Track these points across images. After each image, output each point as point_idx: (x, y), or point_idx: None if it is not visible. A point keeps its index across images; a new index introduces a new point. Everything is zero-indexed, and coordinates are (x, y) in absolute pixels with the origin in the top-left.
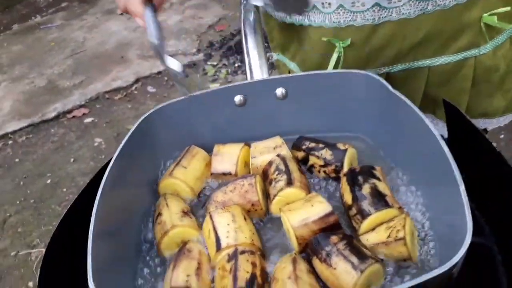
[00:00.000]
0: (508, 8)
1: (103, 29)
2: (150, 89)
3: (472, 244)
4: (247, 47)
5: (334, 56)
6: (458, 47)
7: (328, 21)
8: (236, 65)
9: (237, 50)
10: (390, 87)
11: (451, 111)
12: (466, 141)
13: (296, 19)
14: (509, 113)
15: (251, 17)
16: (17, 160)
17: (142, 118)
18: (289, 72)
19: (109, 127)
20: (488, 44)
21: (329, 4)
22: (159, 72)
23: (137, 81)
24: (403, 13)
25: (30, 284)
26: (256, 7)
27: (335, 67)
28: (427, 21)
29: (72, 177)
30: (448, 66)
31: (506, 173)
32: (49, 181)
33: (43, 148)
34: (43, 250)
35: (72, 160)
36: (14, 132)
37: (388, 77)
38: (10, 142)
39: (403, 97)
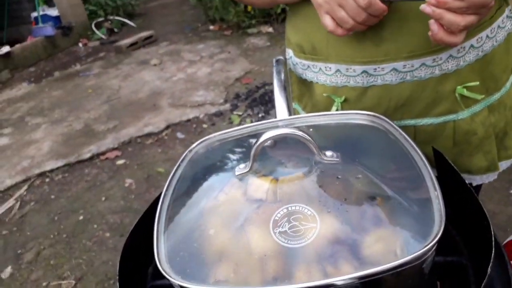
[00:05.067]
0: (477, 83)
1: (137, 78)
2: (179, 135)
3: (450, 263)
4: (275, 94)
5: (333, 109)
6: (438, 112)
7: (329, 81)
8: (260, 115)
9: (261, 101)
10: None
11: (437, 156)
12: (450, 183)
13: (309, 76)
14: (490, 172)
15: (281, 70)
16: (53, 196)
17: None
18: None
19: (139, 169)
20: (465, 111)
21: (330, 68)
22: (188, 120)
23: (167, 127)
24: (386, 80)
25: None
26: (284, 63)
27: None
28: (407, 88)
29: (103, 214)
30: (431, 127)
31: (477, 207)
32: (81, 217)
33: (77, 186)
34: (73, 282)
35: (103, 198)
36: (51, 170)
37: None
38: (47, 179)
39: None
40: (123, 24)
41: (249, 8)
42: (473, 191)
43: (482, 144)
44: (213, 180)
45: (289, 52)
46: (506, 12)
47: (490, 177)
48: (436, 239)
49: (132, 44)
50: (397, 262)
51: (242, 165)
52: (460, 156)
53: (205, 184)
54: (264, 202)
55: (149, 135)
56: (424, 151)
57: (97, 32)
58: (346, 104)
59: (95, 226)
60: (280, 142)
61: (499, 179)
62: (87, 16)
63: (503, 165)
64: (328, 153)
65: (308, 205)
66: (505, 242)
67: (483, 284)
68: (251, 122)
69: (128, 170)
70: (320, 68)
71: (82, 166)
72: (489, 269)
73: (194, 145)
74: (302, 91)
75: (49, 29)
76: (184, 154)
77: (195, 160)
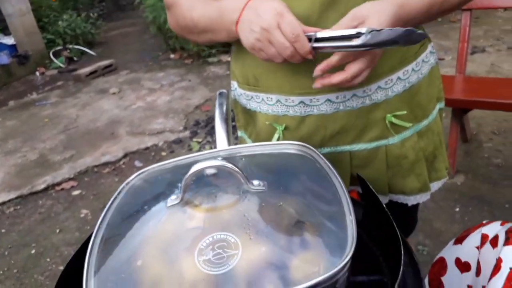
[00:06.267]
0: (404, 112)
1: (96, 107)
2: (137, 163)
3: (373, 282)
4: (216, 126)
5: (275, 136)
6: (370, 137)
7: (271, 110)
8: None
9: None
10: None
11: (361, 181)
12: (372, 206)
13: (252, 106)
14: (423, 193)
15: (224, 102)
16: (3, 231)
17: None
18: None
19: (95, 199)
20: (395, 137)
21: (271, 98)
22: (147, 148)
23: (125, 156)
24: (321, 110)
25: None
26: (227, 95)
27: None
28: (341, 117)
29: (57, 247)
30: (365, 152)
31: (392, 229)
32: (33, 251)
33: (29, 219)
34: None
35: (57, 230)
36: (2, 203)
37: None
38: None
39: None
40: (83, 52)
41: None
42: (388, 214)
43: (413, 167)
44: (147, 212)
45: (234, 84)
46: (429, 48)
47: (424, 197)
48: (345, 261)
49: (91, 73)
50: (306, 284)
51: (173, 196)
52: (394, 178)
53: (140, 217)
54: (192, 232)
55: (106, 164)
56: (360, 174)
57: (55, 60)
58: (287, 132)
59: (48, 259)
60: (219, 172)
61: (445, 199)
62: (45, 44)
63: (435, 185)
64: (255, 182)
65: (232, 233)
66: (434, 261)
67: None
68: (211, 148)
69: (84, 200)
70: (262, 99)
71: (36, 198)
72: (396, 286)
73: (131, 177)
74: (247, 120)
75: (4, 58)
76: (121, 187)
77: (131, 192)
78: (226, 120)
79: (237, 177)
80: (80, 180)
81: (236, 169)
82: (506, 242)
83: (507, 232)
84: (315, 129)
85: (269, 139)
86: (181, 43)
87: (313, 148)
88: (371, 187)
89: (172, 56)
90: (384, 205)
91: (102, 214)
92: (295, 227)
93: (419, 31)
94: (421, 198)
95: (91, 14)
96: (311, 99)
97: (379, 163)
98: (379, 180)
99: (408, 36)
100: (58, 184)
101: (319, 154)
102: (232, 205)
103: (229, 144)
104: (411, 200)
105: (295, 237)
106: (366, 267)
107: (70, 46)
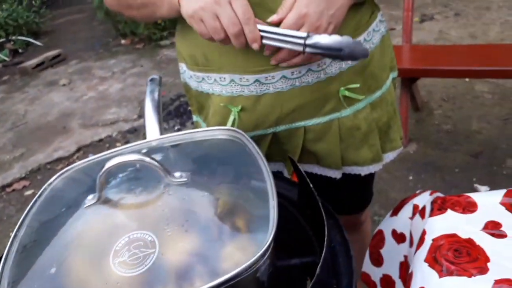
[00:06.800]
0: (358, 85)
1: (45, 100)
2: (91, 156)
3: (305, 264)
4: (145, 114)
5: (231, 118)
6: (325, 111)
7: (225, 91)
8: (176, 128)
9: (176, 114)
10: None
11: (292, 161)
12: (305, 186)
13: (204, 88)
14: (376, 163)
15: (155, 89)
16: None
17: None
18: None
19: None
20: (348, 109)
21: (224, 78)
22: (101, 140)
23: (78, 150)
24: (277, 87)
25: None
26: (159, 82)
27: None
28: (297, 93)
29: None
30: (319, 126)
31: (317, 209)
32: None
33: None
34: None
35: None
36: None
37: (274, 135)
38: None
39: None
40: (28, 43)
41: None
42: (314, 193)
43: (366, 138)
44: (66, 215)
45: (182, 66)
46: (378, 17)
47: (376, 167)
48: (262, 251)
49: (38, 65)
50: (226, 276)
51: (90, 196)
52: (348, 150)
53: (58, 221)
54: (108, 233)
55: (59, 160)
56: (314, 149)
57: None
58: (243, 113)
59: None
60: (141, 165)
61: (399, 168)
62: None
63: (390, 156)
64: (177, 174)
65: (149, 230)
66: (373, 234)
67: (312, 282)
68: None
69: None
70: (215, 79)
71: None
72: (318, 269)
73: (53, 178)
74: (200, 104)
75: None
76: (42, 189)
77: (52, 194)
78: (157, 108)
79: (156, 171)
80: (33, 179)
81: (155, 163)
82: (431, 213)
83: (432, 203)
84: (271, 108)
85: (225, 122)
86: (131, 27)
87: (242, 133)
88: (299, 166)
89: (122, 41)
90: (311, 185)
91: (19, 221)
92: (218, 218)
93: (363, 48)
94: (373, 169)
95: (34, 2)
96: (266, 77)
97: (332, 136)
98: (333, 153)
99: (352, 48)
100: (9, 185)
101: (248, 138)
102: (152, 201)
103: (161, 133)
104: (364, 171)
105: (218, 229)
106: (302, 249)
107: (14, 38)
